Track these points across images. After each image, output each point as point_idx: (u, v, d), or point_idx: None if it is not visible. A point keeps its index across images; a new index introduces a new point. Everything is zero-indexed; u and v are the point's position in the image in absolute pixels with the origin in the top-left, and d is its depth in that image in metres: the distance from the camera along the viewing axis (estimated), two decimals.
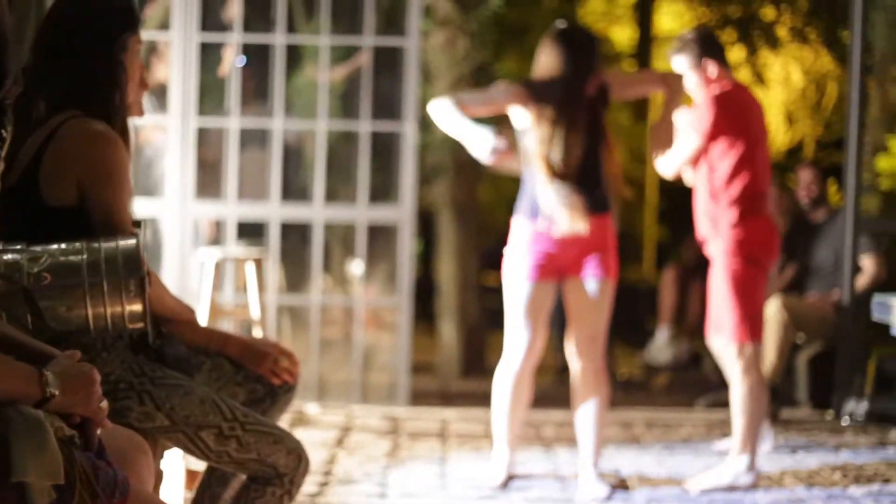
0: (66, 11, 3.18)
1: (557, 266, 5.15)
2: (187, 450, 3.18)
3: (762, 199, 5.43)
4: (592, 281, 5.15)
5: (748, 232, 5.35)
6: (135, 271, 2.89)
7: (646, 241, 15.28)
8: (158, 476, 3.33)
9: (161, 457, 3.34)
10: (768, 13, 12.27)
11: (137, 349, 3.17)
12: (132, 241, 2.91)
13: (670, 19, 16.17)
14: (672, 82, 5.33)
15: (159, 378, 3.12)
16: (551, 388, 7.59)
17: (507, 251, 5.24)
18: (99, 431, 2.37)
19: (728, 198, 5.36)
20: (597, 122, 5.15)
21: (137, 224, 3.06)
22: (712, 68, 5.38)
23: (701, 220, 5.44)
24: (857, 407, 6.79)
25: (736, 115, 5.36)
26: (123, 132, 3.17)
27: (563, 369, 8.07)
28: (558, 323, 8.26)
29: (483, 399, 7.18)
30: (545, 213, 5.07)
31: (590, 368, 5.18)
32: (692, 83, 5.38)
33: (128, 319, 2.92)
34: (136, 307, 2.90)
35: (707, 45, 5.44)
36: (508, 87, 5.34)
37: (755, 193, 5.39)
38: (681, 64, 5.40)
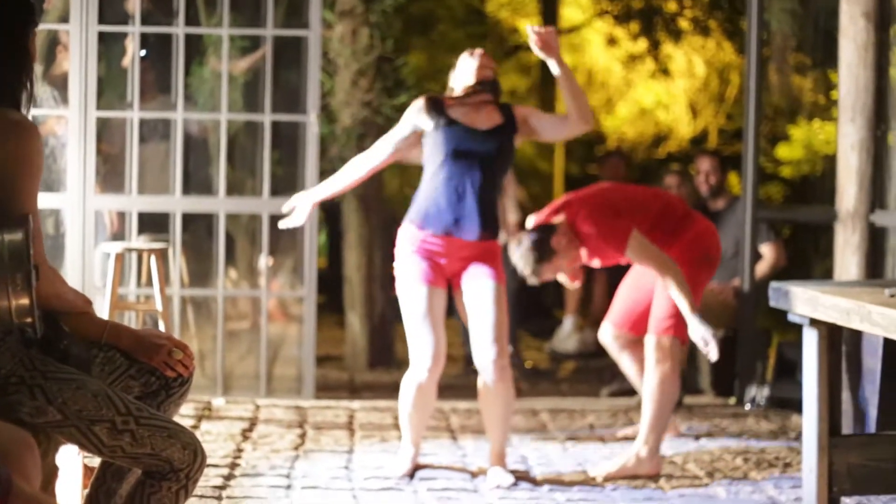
0: None
1: (446, 274, 5.25)
2: (80, 444, 3.15)
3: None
4: (487, 283, 5.23)
5: (705, 227, 5.52)
6: (21, 265, 2.86)
7: None
8: (53, 471, 3.30)
9: (56, 452, 3.31)
10: (670, 5, 12.39)
11: (30, 343, 3.13)
12: (18, 235, 2.88)
13: (575, 11, 16.27)
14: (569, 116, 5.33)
15: (51, 372, 3.09)
16: (459, 379, 7.62)
17: (396, 258, 5.29)
18: None
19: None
20: (488, 156, 5.24)
21: (24, 218, 3.02)
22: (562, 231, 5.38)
23: None
24: (758, 393, 6.88)
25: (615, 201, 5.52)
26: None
27: (471, 360, 8.13)
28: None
29: (390, 390, 7.20)
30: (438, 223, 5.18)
31: (496, 365, 5.22)
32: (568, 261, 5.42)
33: (15, 314, 2.89)
34: (24, 301, 2.87)
35: (550, 236, 5.41)
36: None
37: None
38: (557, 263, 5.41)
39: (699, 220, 5.61)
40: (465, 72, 5.29)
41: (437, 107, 5.24)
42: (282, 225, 5.61)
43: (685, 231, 5.50)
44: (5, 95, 3.11)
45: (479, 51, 5.32)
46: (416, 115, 5.28)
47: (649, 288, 5.58)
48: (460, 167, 5.18)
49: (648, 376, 5.43)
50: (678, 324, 5.39)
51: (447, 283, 5.29)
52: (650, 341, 5.42)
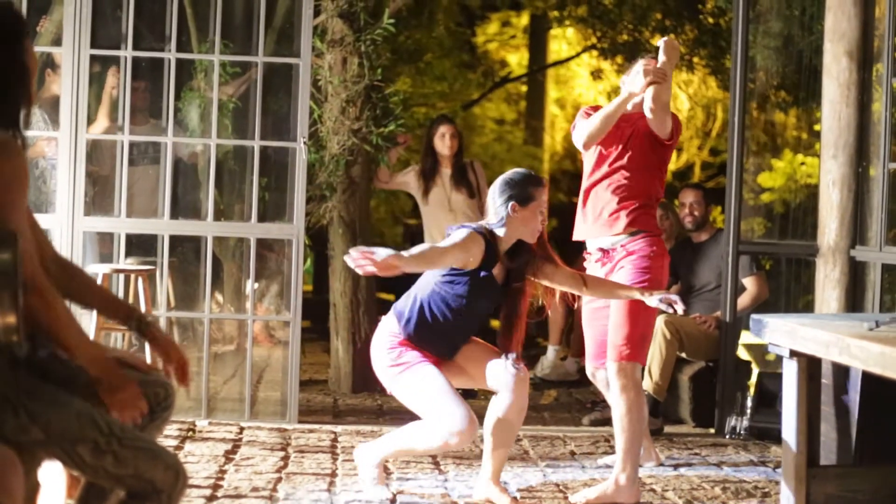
0: None
1: (431, 359, 5.21)
2: (64, 463, 3.17)
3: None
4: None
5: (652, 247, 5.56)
6: (8, 284, 2.87)
7: None
8: (35, 488, 3.33)
9: (38, 468, 3.33)
10: (656, 40, 12.45)
11: (16, 362, 3.16)
12: (6, 254, 2.90)
13: (563, 44, 16.37)
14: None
15: (36, 391, 3.11)
16: None
17: (384, 354, 5.19)
18: None
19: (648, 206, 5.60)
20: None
21: (12, 238, 3.04)
22: None
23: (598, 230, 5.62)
24: (738, 423, 6.92)
25: None
26: (23, 137, 3.18)
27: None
28: None
29: (373, 415, 7.24)
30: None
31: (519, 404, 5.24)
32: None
33: (1, 332, 2.91)
34: (10, 320, 2.89)
35: None
36: None
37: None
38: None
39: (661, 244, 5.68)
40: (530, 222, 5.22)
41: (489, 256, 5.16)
42: None
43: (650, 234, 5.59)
44: (6, 111, 3.13)
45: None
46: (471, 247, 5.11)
47: (606, 315, 5.63)
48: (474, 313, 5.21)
49: (615, 404, 5.47)
50: (638, 346, 5.45)
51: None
52: (611, 368, 5.47)
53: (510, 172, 5.27)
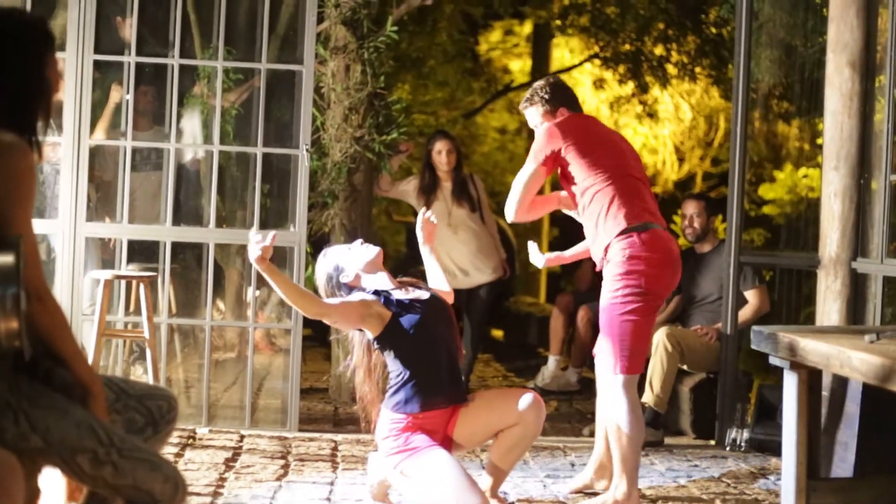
0: None
1: (440, 437, 5.16)
2: (63, 472, 3.18)
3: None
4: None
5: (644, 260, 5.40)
6: (9, 288, 2.88)
7: (542, 269, 15.36)
8: (36, 493, 3.33)
9: (39, 474, 3.33)
10: (658, 50, 12.48)
11: (19, 368, 3.16)
12: (9, 257, 2.90)
13: (566, 53, 16.40)
14: None
15: (37, 399, 3.11)
16: None
17: (390, 440, 5.12)
18: None
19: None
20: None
21: (16, 241, 3.05)
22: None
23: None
24: (738, 435, 6.92)
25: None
26: (38, 145, 3.23)
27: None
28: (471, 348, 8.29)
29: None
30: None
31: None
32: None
33: (4, 337, 2.91)
34: (12, 324, 2.89)
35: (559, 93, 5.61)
36: None
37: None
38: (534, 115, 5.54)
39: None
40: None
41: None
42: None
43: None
44: (23, 121, 3.18)
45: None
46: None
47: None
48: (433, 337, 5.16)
49: (609, 419, 5.35)
50: (629, 359, 5.34)
51: (445, 439, 5.17)
52: (606, 378, 5.37)
53: (319, 264, 5.26)
